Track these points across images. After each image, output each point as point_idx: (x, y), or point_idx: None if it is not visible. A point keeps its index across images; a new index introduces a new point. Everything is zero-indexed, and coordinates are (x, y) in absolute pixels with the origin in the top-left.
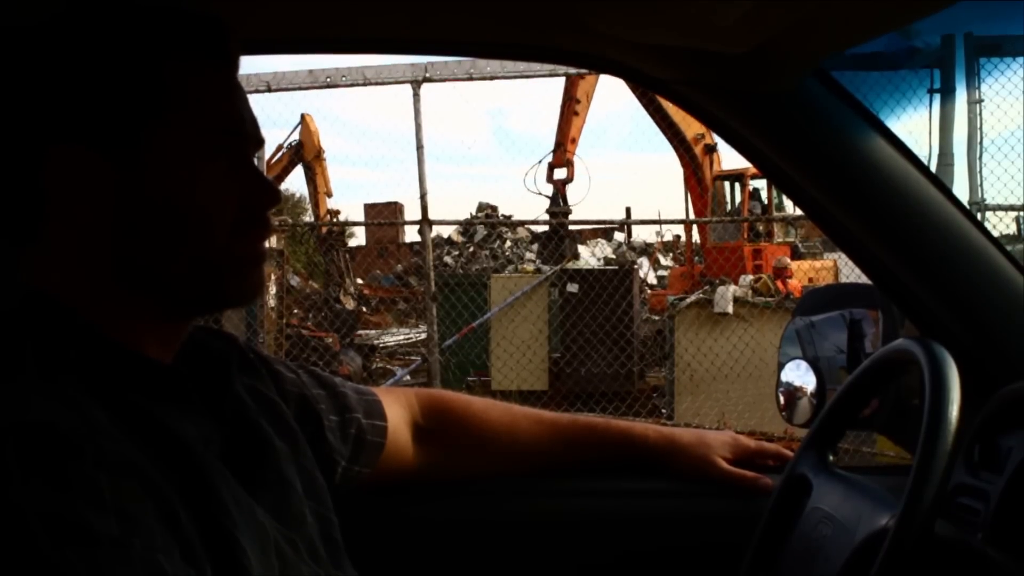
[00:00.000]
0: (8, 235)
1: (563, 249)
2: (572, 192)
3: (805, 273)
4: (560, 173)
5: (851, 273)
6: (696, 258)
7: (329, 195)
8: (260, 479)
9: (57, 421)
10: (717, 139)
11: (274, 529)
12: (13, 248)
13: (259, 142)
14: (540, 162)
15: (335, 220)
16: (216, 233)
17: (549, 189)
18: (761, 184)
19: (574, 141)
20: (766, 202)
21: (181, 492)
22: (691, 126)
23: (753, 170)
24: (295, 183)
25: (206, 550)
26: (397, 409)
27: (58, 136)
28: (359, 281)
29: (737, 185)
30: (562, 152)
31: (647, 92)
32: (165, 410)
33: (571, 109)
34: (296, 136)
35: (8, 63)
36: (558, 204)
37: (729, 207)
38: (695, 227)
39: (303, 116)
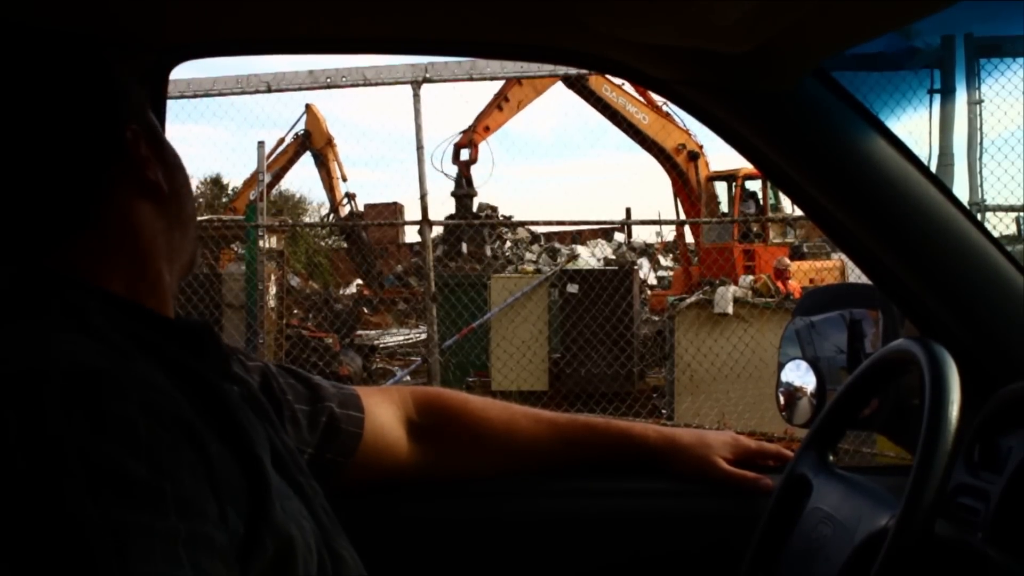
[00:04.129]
0: (64, 226)
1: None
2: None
3: (806, 274)
4: (464, 154)
5: (852, 273)
6: (696, 259)
7: (344, 179)
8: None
9: (102, 368)
10: (703, 142)
11: (279, 480)
12: (55, 241)
13: None
14: (448, 141)
15: (353, 203)
16: None
17: (454, 171)
18: (757, 185)
19: (487, 129)
20: (761, 202)
21: (217, 430)
22: (669, 136)
23: (745, 171)
24: (295, 183)
25: (243, 476)
26: (389, 406)
27: (127, 119)
28: (358, 282)
29: (734, 186)
30: (469, 132)
31: (616, 112)
32: (192, 359)
33: (496, 103)
34: (302, 126)
35: (75, 71)
36: (461, 186)
37: (725, 208)
38: (688, 230)
39: (308, 106)
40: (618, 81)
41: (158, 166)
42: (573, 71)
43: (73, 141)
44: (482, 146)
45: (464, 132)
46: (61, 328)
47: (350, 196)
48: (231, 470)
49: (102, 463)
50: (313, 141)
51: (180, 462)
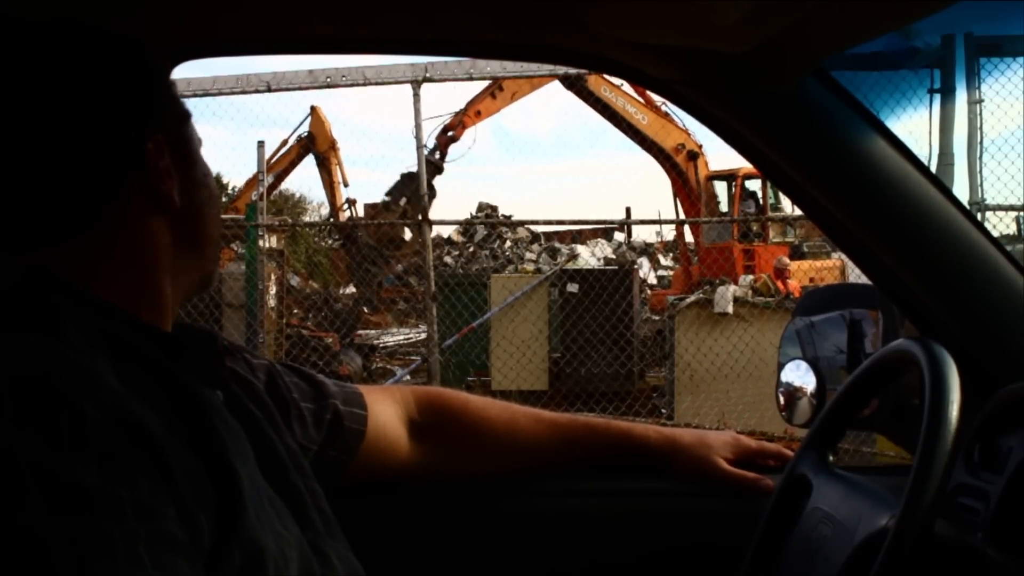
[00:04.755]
0: (71, 226)
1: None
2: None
3: (806, 273)
4: (450, 133)
5: (852, 273)
6: (696, 259)
7: (345, 184)
8: (251, 444)
9: (55, 374)
10: (703, 141)
11: (265, 486)
12: (51, 245)
13: None
14: (441, 121)
15: (353, 208)
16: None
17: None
18: (757, 184)
19: (479, 114)
20: (761, 202)
21: (186, 435)
22: (668, 136)
23: (745, 170)
24: (295, 183)
25: (210, 483)
26: (391, 405)
27: (150, 129)
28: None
29: (733, 186)
30: (461, 115)
31: (616, 113)
32: (173, 365)
33: (490, 91)
34: (305, 128)
35: (108, 76)
36: (434, 156)
37: (725, 208)
38: (688, 229)
39: (313, 108)
40: (617, 81)
41: (177, 181)
42: (572, 71)
43: (89, 143)
44: (470, 130)
45: (456, 114)
46: (28, 330)
47: (350, 202)
48: (198, 476)
49: (55, 474)
50: (316, 144)
51: (135, 466)
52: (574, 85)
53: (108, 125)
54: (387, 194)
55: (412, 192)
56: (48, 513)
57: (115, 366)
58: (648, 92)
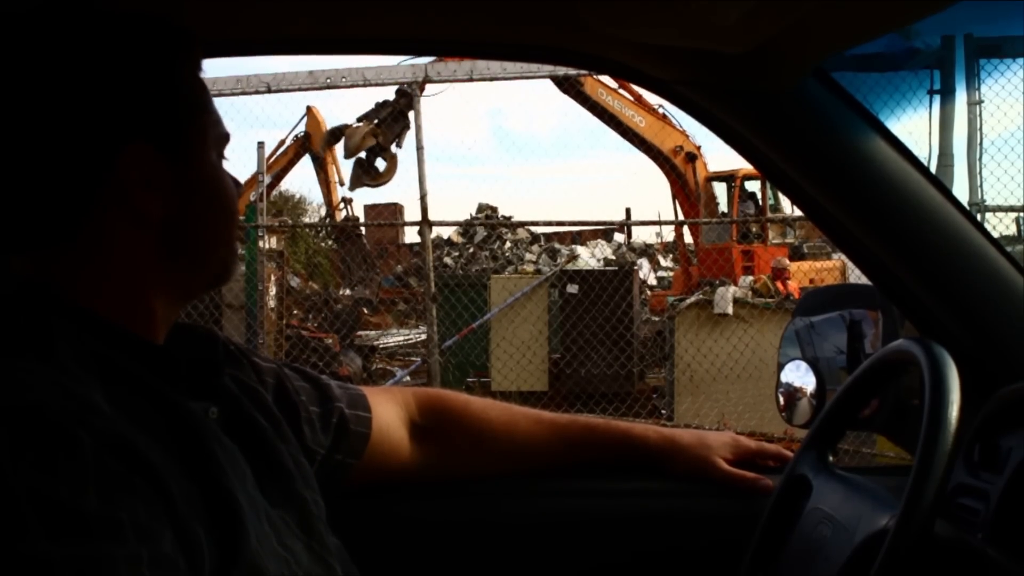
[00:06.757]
0: (41, 236)
1: (401, 125)
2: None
3: (806, 274)
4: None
5: (852, 273)
6: (696, 260)
7: (342, 183)
8: (252, 456)
9: (48, 403)
10: (703, 142)
11: (264, 504)
12: (39, 249)
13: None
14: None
15: (349, 208)
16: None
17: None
18: (756, 185)
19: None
20: (760, 203)
21: (181, 459)
22: (667, 138)
23: (744, 171)
24: (295, 184)
25: (206, 509)
26: (392, 407)
27: (130, 136)
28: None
29: (732, 186)
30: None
31: (613, 116)
32: (165, 384)
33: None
34: (302, 128)
35: (83, 75)
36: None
37: (724, 208)
38: (687, 231)
39: (309, 108)
40: (613, 84)
41: (168, 188)
42: (571, 73)
43: (51, 149)
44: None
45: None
46: (20, 350)
47: (346, 201)
48: (195, 501)
49: (54, 501)
50: (313, 143)
51: (133, 491)
52: (570, 89)
53: (73, 132)
54: (359, 119)
55: (388, 117)
56: (49, 540)
57: (106, 390)
58: (645, 94)
